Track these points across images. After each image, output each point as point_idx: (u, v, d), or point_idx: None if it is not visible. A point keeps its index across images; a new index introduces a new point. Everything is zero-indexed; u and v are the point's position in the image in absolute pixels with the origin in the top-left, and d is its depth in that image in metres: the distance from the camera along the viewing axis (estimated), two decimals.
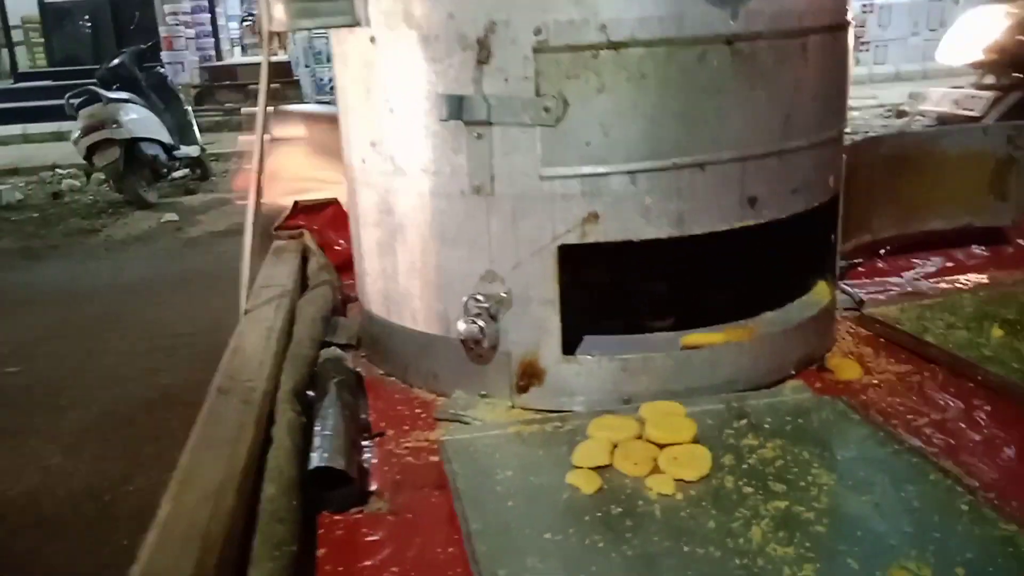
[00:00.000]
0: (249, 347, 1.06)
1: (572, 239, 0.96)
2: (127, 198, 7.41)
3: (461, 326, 1.00)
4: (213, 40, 11.60)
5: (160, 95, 7.76)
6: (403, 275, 1.08)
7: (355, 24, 1.00)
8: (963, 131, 1.52)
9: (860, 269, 1.51)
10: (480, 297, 1.00)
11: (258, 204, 1.22)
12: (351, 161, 1.12)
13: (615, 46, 0.89)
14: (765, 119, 0.97)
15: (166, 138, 7.45)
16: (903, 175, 1.49)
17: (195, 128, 8.04)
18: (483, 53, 0.91)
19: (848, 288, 1.35)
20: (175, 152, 7.64)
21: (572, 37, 0.89)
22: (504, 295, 1.00)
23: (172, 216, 7.06)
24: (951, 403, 1.02)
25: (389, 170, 1.04)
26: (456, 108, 0.93)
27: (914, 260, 1.54)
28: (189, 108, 8.29)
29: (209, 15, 11.55)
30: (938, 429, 0.96)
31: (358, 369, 1.14)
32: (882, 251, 1.57)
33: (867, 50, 11.27)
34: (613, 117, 0.92)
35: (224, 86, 10.95)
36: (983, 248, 1.58)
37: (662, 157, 0.94)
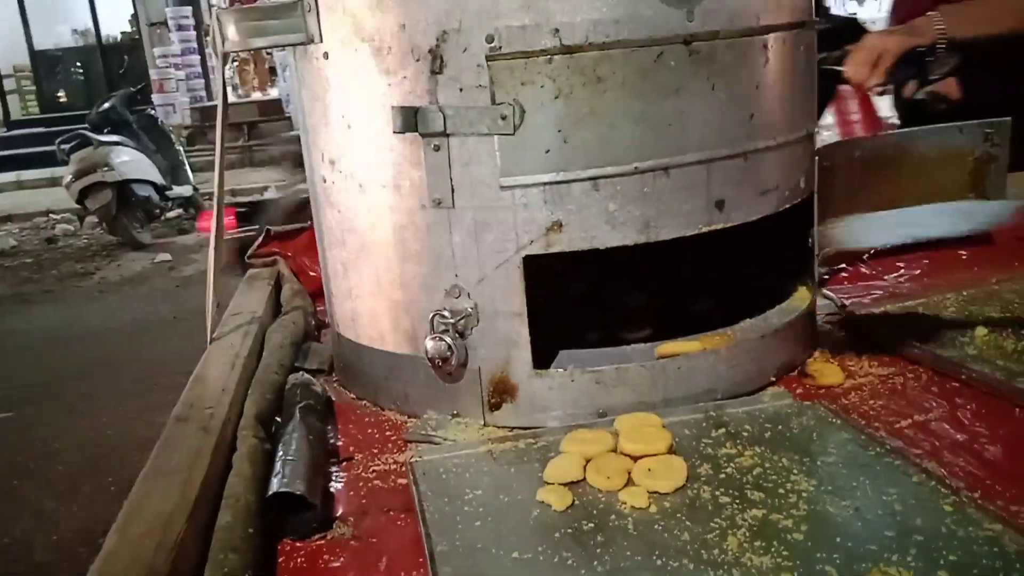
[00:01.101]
0: (212, 374, 1.03)
1: (536, 249, 0.94)
2: (121, 240, 7.42)
3: (428, 344, 0.98)
4: (203, 81, 11.68)
5: (151, 136, 7.80)
6: (369, 294, 1.05)
7: (308, 41, 0.98)
8: (940, 130, 1.50)
9: (843, 275, 1.49)
10: (446, 313, 0.98)
11: (220, 232, 1.20)
12: (314, 181, 1.10)
13: (569, 50, 0.88)
14: (728, 120, 0.96)
15: (158, 179, 7.48)
16: (881, 177, 1.47)
17: (187, 168, 8.07)
18: (436, 63, 0.90)
19: (830, 293, 1.33)
20: (167, 192, 7.67)
21: (525, 43, 0.88)
22: (471, 310, 0.98)
23: (166, 256, 7.06)
24: (935, 403, 0.99)
25: (350, 188, 1.02)
26: (411, 120, 0.91)
27: (898, 263, 1.52)
28: (181, 148, 8.32)
29: (199, 56, 11.64)
30: (921, 430, 0.93)
31: (329, 394, 1.12)
32: (865, 256, 1.55)
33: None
34: (571, 123, 0.90)
35: (215, 126, 11.00)
36: (965, 250, 1.55)
37: (624, 162, 0.92)
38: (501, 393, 1.00)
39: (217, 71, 1.30)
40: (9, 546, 3.09)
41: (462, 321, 0.98)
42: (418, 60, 0.91)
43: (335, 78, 0.99)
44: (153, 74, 10.99)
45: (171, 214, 8.04)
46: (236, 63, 10.83)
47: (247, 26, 0.98)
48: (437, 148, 0.93)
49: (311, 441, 0.90)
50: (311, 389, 1.05)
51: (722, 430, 0.93)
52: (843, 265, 1.51)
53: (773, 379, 1.07)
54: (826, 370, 1.08)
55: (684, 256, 1.10)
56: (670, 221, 0.95)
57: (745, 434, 0.92)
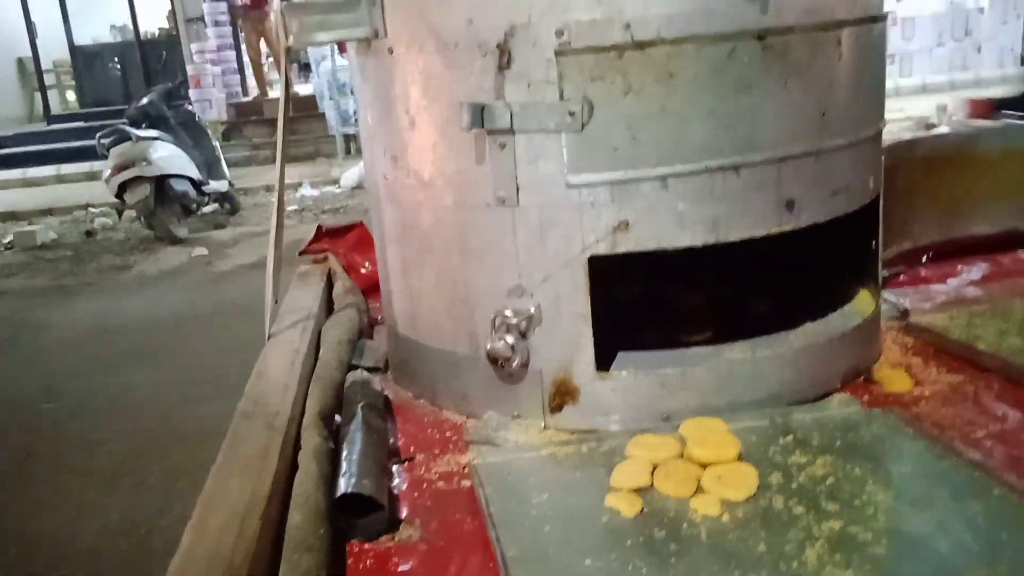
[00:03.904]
0: (273, 371, 1.03)
1: (602, 249, 0.93)
2: (158, 234, 7.51)
3: (490, 344, 0.96)
4: (239, 77, 11.77)
5: (189, 132, 7.87)
6: (429, 293, 1.04)
7: (373, 36, 0.97)
8: (1003, 129, 1.46)
9: (902, 278, 1.45)
10: (509, 313, 0.96)
11: (280, 228, 1.20)
12: (375, 178, 1.09)
13: (641, 46, 0.86)
14: (800, 117, 0.93)
15: (195, 174, 7.55)
16: (943, 177, 1.43)
17: (223, 163, 8.14)
18: (504, 58, 0.89)
19: (891, 298, 1.30)
20: (204, 187, 7.74)
21: (595, 38, 0.86)
22: (533, 310, 0.96)
23: (202, 251, 7.13)
24: (1009, 412, 0.96)
25: (412, 184, 1.01)
26: (478, 116, 0.90)
27: (958, 267, 1.48)
28: (217, 144, 8.39)
29: (235, 52, 11.73)
30: (998, 440, 0.90)
31: (386, 392, 1.11)
32: (924, 258, 1.51)
33: (892, 63, 11.14)
34: (641, 119, 0.89)
35: (251, 121, 11.12)
36: None
37: (694, 160, 0.90)
38: (563, 395, 0.98)
39: (280, 66, 1.29)
40: (52, 533, 3.14)
41: (524, 321, 0.96)
42: (485, 55, 0.90)
43: (399, 73, 0.98)
44: (190, 69, 11.09)
45: (207, 209, 8.12)
46: (271, 59, 10.90)
47: (311, 20, 0.97)
48: (503, 145, 0.92)
49: (375, 441, 0.89)
50: (371, 387, 1.04)
51: (790, 437, 0.91)
52: (900, 268, 1.48)
53: (839, 385, 1.04)
54: (894, 377, 1.05)
55: (743, 258, 1.07)
56: (740, 221, 0.93)
57: (815, 442, 0.90)
